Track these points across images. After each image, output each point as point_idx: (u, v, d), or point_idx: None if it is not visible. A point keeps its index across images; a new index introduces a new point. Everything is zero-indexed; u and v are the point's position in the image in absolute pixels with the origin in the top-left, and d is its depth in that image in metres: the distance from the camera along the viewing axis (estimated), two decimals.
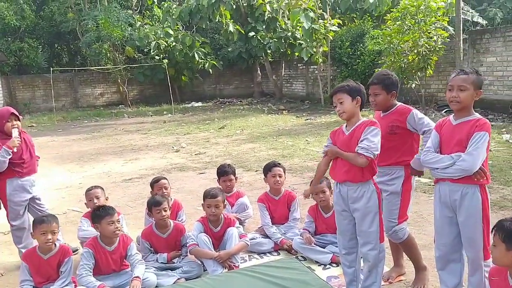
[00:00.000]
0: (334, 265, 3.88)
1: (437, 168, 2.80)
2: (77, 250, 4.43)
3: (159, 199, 4.00)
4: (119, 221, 3.54)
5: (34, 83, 23.33)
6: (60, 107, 22.48)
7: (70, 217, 5.75)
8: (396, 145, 3.30)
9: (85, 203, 4.35)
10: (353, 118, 3.02)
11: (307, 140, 10.34)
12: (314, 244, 4.01)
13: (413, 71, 12.51)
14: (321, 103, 17.91)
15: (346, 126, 3.08)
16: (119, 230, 3.51)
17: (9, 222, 4.23)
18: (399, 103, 3.42)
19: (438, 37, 12.25)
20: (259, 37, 20.12)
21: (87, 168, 8.96)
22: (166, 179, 4.66)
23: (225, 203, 4.10)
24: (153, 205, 3.96)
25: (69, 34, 25.68)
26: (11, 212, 4.15)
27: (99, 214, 3.53)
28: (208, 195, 3.96)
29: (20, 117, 4.24)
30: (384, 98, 3.31)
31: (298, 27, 18.75)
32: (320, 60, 17.44)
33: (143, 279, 3.44)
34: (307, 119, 14.25)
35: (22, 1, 23.32)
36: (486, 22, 19.34)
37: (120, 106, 22.94)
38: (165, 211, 3.93)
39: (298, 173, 7.38)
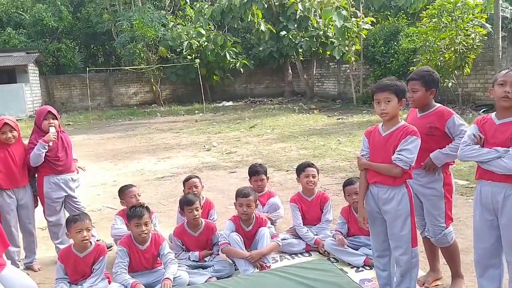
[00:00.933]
0: (367, 267, 3.80)
1: (480, 161, 2.69)
2: (111, 246, 4.52)
3: (192, 198, 4.02)
4: (147, 224, 3.56)
5: (71, 82, 24.04)
6: (95, 106, 23.08)
7: (105, 213, 5.87)
8: (433, 147, 3.20)
9: (121, 201, 4.43)
10: (393, 119, 2.93)
11: (338, 140, 10.22)
12: (347, 246, 3.95)
13: (450, 69, 12.18)
14: (353, 103, 17.67)
15: (382, 126, 2.99)
16: (145, 233, 3.54)
17: (45, 218, 4.36)
18: (439, 105, 3.31)
19: (476, 34, 11.89)
20: (290, 36, 20.04)
21: (121, 166, 9.14)
22: (198, 177, 4.69)
23: (257, 202, 4.09)
24: (185, 204, 3.99)
25: (105, 35, 26.32)
26: (48, 208, 4.27)
27: (129, 214, 3.59)
28: (240, 194, 3.96)
29: (58, 116, 4.34)
30: (422, 95, 3.21)
31: (330, 26, 18.56)
32: (353, 58, 17.21)
33: (175, 277, 3.47)
34: (339, 119, 14.09)
35: (59, 3, 24.05)
36: None
37: (153, 105, 23.34)
38: (197, 210, 3.95)
39: (330, 174, 7.30)
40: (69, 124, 17.50)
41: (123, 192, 4.40)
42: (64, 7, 24.47)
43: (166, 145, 11.31)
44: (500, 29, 12.32)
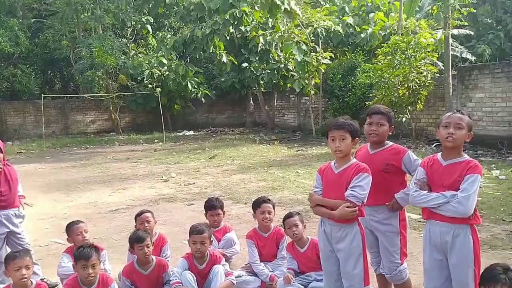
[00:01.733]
0: None
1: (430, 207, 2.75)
2: (56, 285, 4.27)
3: (142, 235, 3.88)
4: (94, 266, 3.38)
5: (25, 109, 23.23)
6: (50, 133, 22.34)
7: (53, 249, 5.57)
8: (389, 184, 3.25)
9: (67, 239, 4.22)
10: (346, 157, 2.99)
11: (297, 172, 10.28)
12: (295, 282, 3.87)
13: (404, 105, 12.63)
14: (312, 134, 17.97)
15: (335, 163, 3.03)
16: (92, 276, 3.36)
17: None
18: (391, 142, 3.39)
19: (428, 72, 12.44)
20: (252, 68, 20.33)
21: (73, 197, 8.79)
22: (151, 212, 4.55)
23: (211, 239, 3.99)
24: (135, 241, 3.84)
25: (63, 61, 25.79)
26: None
27: (76, 255, 3.41)
28: (194, 231, 3.86)
29: (3, 148, 4.13)
30: (387, 130, 3.30)
31: (290, 59, 18.99)
32: (312, 92, 17.61)
33: None
34: (298, 150, 14.23)
35: (17, 28, 23.46)
36: (475, 58, 19.74)
37: (111, 133, 22.85)
38: (148, 247, 3.81)
39: (288, 206, 7.28)
40: (21, 152, 16.82)
41: (70, 228, 4.20)
42: (22, 33, 23.87)
43: (122, 176, 11.01)
44: (451, 67, 12.98)
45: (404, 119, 12.67)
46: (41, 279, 4.21)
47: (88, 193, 9.13)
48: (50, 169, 12.64)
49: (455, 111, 2.84)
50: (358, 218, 2.96)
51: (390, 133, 3.35)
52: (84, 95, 22.57)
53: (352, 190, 2.84)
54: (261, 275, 4.17)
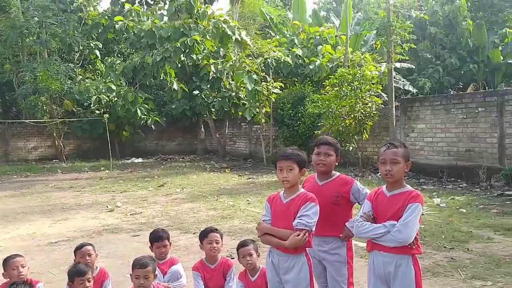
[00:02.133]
0: None
1: (372, 237, 2.80)
2: None
3: (83, 268, 3.68)
4: None
5: None
6: None
7: None
8: (338, 216, 3.29)
9: (3, 274, 3.92)
10: (294, 187, 3.01)
11: (248, 200, 10.24)
12: None
13: (350, 134, 13.02)
14: (263, 162, 18.07)
15: (284, 193, 3.05)
16: None
17: None
18: (338, 173, 3.45)
19: (373, 103, 12.94)
20: (203, 96, 20.34)
21: (10, 228, 8.25)
22: (92, 245, 4.33)
23: (156, 272, 3.84)
24: (75, 274, 3.63)
25: (5, 85, 24.63)
26: None
27: None
28: (137, 265, 3.69)
29: None
30: (334, 160, 3.36)
31: (241, 88, 19.21)
32: (263, 120, 17.82)
33: None
34: (249, 178, 14.23)
35: None
36: (417, 90, 20.81)
37: (54, 160, 21.88)
38: (89, 281, 3.62)
39: (238, 236, 7.18)
40: None
41: (6, 263, 3.91)
42: None
43: (64, 205, 10.49)
44: (394, 98, 13.59)
45: (351, 148, 13.03)
46: None
47: (27, 224, 8.61)
48: None
49: (389, 145, 2.90)
50: (306, 249, 2.96)
51: (337, 164, 3.42)
52: (27, 120, 21.60)
53: (300, 219, 2.87)
54: None
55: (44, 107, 20.58)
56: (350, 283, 3.36)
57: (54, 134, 21.45)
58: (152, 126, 22.10)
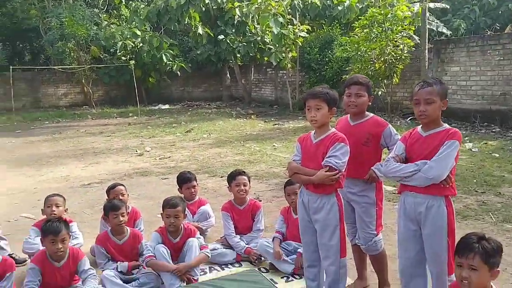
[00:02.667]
0: (297, 277, 3.75)
1: (401, 178, 2.72)
2: (25, 261, 4.14)
3: (118, 203, 3.80)
4: (64, 241, 3.26)
5: None
6: (20, 107, 21.57)
7: (21, 224, 5.40)
8: (368, 157, 3.21)
9: (42, 209, 4.08)
10: (324, 127, 2.92)
11: (274, 146, 10.24)
12: (284, 259, 3.84)
13: (380, 78, 12.64)
14: (289, 108, 17.90)
15: (314, 133, 2.98)
16: (61, 251, 3.26)
17: None
18: (372, 114, 3.33)
19: (405, 46, 12.43)
20: (228, 41, 19.95)
21: (44, 171, 8.55)
22: (123, 185, 4.44)
23: (185, 212, 3.92)
24: (110, 209, 3.74)
25: (32, 32, 24.80)
26: None
27: (45, 229, 3.27)
28: (168, 205, 3.77)
29: None
30: (365, 101, 3.23)
31: (267, 32, 18.70)
32: (289, 65, 17.44)
33: None
34: (275, 124, 14.18)
35: None
36: (451, 32, 19.83)
37: (84, 107, 22.27)
38: (123, 216, 3.73)
39: (264, 180, 7.25)
40: None
41: (45, 200, 4.06)
42: None
43: (96, 150, 10.76)
44: (427, 41, 13.00)
45: (380, 92, 12.70)
46: (9, 255, 4.08)
47: (60, 167, 8.89)
48: (20, 143, 12.25)
49: (422, 83, 2.73)
50: (337, 189, 2.92)
51: (370, 103, 3.29)
52: (55, 67, 21.83)
53: (328, 159, 2.81)
54: (237, 247, 4.14)
55: (72, 54, 20.69)
56: (379, 225, 3.34)
57: (83, 81, 21.69)
58: (178, 72, 22.00)
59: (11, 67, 19.18)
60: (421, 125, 2.80)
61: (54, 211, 3.86)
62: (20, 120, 17.73)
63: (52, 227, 3.23)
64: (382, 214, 3.41)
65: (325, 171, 2.79)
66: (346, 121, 3.36)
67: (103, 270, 3.61)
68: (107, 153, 10.23)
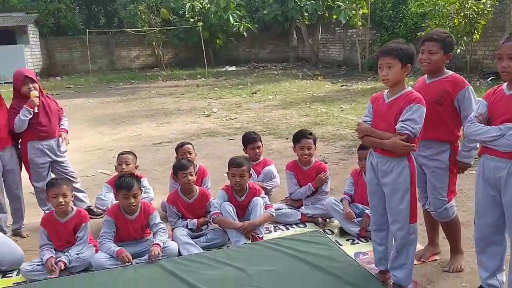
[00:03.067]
0: (363, 240, 3.69)
1: (483, 141, 2.52)
2: (101, 214, 4.41)
3: (186, 163, 3.88)
4: (136, 196, 3.41)
5: (72, 44, 23.61)
6: (96, 69, 22.73)
7: (98, 179, 5.75)
8: (442, 118, 2.99)
9: (115, 166, 4.30)
10: (398, 85, 2.72)
11: (341, 108, 9.99)
12: (354, 219, 3.79)
13: (459, 35, 11.75)
14: (358, 69, 17.28)
15: (387, 92, 2.80)
16: (133, 205, 3.41)
17: (32, 184, 4.23)
18: (452, 72, 3.08)
19: None
20: None
21: (119, 130, 9.00)
22: (191, 144, 4.54)
23: (250, 172, 3.94)
24: (179, 169, 3.84)
25: None
26: (33, 174, 4.15)
27: (118, 184, 3.44)
28: (233, 164, 3.81)
29: (37, 79, 4.14)
30: (440, 58, 2.98)
31: None
32: (359, 23, 16.69)
33: (164, 247, 3.36)
34: (343, 85, 13.80)
35: None
36: None
37: (155, 69, 22.99)
38: (191, 175, 3.81)
39: (331, 142, 7.13)
40: (70, 87, 17.29)
41: (118, 157, 4.26)
42: None
43: (166, 110, 11.13)
44: None
45: (458, 50, 11.83)
46: (87, 207, 4.37)
47: (133, 126, 9.31)
48: (97, 103, 12.95)
49: (508, 36, 2.45)
50: (410, 152, 2.75)
51: (448, 61, 3.03)
52: (128, 30, 22.57)
53: (404, 124, 2.62)
54: (303, 195, 4.16)
55: (143, 16, 21.22)
56: (452, 191, 3.15)
57: (154, 43, 22.29)
58: (244, 33, 21.91)
59: (87, 30, 20.08)
60: (506, 84, 2.54)
61: (124, 168, 4.03)
62: (97, 82, 18.69)
63: (125, 183, 3.39)
64: (456, 180, 3.20)
65: (401, 139, 2.62)
66: (422, 80, 3.14)
67: (174, 228, 3.75)
68: (176, 114, 10.54)
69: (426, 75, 3.13)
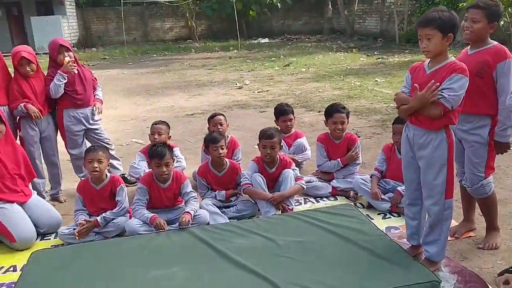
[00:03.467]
0: (395, 214, 3.64)
1: None
2: (135, 182, 4.51)
3: (217, 136, 3.89)
4: (168, 164, 3.46)
5: (107, 16, 23.86)
6: (131, 40, 22.94)
7: (133, 148, 5.87)
8: (483, 91, 2.86)
9: (148, 135, 4.37)
10: (439, 56, 2.59)
11: (376, 81, 9.75)
12: (382, 198, 3.73)
13: (504, 6, 11.14)
14: (395, 41, 16.76)
15: (428, 63, 2.67)
16: (166, 173, 3.46)
17: (68, 152, 4.36)
18: (496, 43, 2.92)
19: None
20: None
21: (152, 101, 9.11)
22: (223, 115, 4.54)
23: (281, 144, 3.92)
24: (210, 142, 3.86)
25: None
26: (69, 141, 4.27)
27: (151, 153, 3.49)
28: (264, 136, 3.79)
29: (71, 48, 4.22)
30: (483, 27, 2.82)
31: None
32: None
33: (195, 216, 3.42)
34: (378, 58, 13.44)
35: None
36: None
37: (188, 40, 23.01)
38: (222, 149, 3.83)
39: (364, 116, 6.99)
40: (105, 58, 17.57)
41: (151, 127, 4.32)
42: None
43: (199, 82, 11.16)
44: None
45: (502, 22, 11.23)
46: (121, 174, 4.47)
47: (166, 97, 9.41)
48: (131, 74, 13.12)
49: None
50: (448, 125, 2.64)
51: (491, 31, 2.87)
52: (162, 1, 22.57)
53: (441, 92, 2.50)
54: (332, 168, 4.14)
55: None
56: (490, 167, 3.03)
57: (187, 15, 22.25)
58: (278, 4, 21.54)
59: (122, 1, 20.19)
60: None
61: (156, 138, 4.09)
62: (131, 53, 18.90)
63: (157, 152, 3.44)
64: (495, 156, 3.08)
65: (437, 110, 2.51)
66: (465, 51, 2.99)
67: (203, 199, 3.81)
68: (208, 86, 10.56)
69: (468, 47, 2.99)
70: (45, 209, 3.63)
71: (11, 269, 3.13)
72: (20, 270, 3.06)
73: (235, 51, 18.00)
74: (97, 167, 3.43)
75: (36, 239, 3.49)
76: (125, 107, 8.60)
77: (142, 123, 7.24)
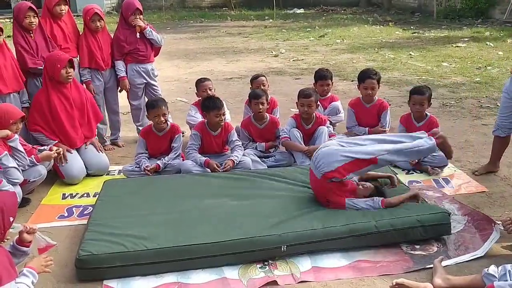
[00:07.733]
0: (418, 171, 4.03)
1: None
2: (183, 133, 5.03)
3: (259, 92, 4.35)
4: (224, 114, 3.95)
5: None
6: (168, 6, 23.28)
7: (178, 106, 6.40)
8: None
9: (196, 93, 4.81)
10: None
11: (410, 54, 9.91)
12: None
13: None
14: (433, 17, 16.55)
15: None
16: (222, 121, 3.95)
17: (129, 102, 4.91)
18: None
19: None
20: None
21: (192, 65, 9.58)
22: (265, 76, 4.97)
23: (317, 103, 4.32)
24: (253, 97, 4.32)
25: None
26: (131, 93, 4.83)
27: (208, 105, 3.96)
28: (302, 95, 4.20)
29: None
30: None
31: None
32: None
33: (240, 161, 3.92)
34: (414, 33, 13.42)
35: None
36: None
37: (224, 8, 23.18)
38: (263, 104, 4.28)
39: (396, 86, 7.28)
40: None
41: (198, 84, 4.77)
42: None
43: (235, 49, 11.53)
44: None
45: None
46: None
47: (205, 62, 9.86)
48: (170, 39, 13.55)
49: None
50: None
51: None
52: None
53: None
54: (360, 132, 4.52)
55: None
56: None
57: None
58: None
59: None
60: None
61: (209, 93, 4.56)
62: (169, 19, 19.31)
63: (216, 103, 3.95)
64: None
65: None
66: None
67: (245, 149, 4.28)
68: (245, 53, 10.93)
69: None
70: (94, 154, 4.09)
71: (85, 195, 3.73)
72: (93, 196, 3.63)
73: (271, 20, 18.16)
74: (163, 120, 3.95)
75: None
76: (167, 70, 9.09)
77: (185, 84, 7.74)
